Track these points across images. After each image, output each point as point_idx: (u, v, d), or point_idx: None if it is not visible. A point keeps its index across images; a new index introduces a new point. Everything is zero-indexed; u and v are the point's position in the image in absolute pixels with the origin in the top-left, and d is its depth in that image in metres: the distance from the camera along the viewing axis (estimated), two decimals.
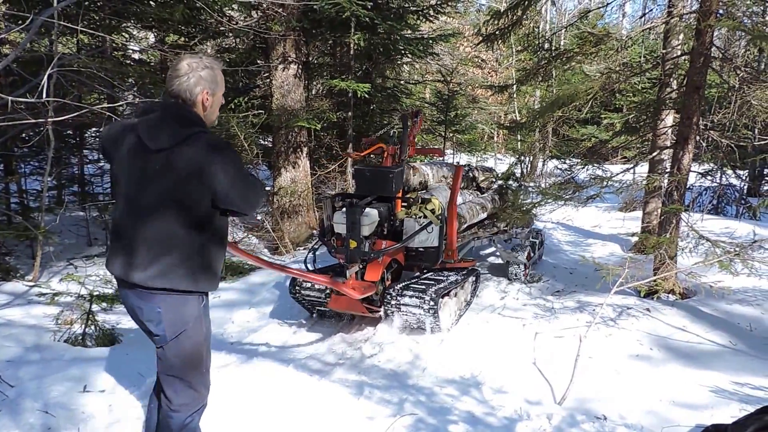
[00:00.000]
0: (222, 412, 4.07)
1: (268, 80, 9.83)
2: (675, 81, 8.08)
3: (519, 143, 17.66)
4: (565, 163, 9.60)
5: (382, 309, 5.57)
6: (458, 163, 7.70)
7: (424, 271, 6.18)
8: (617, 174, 7.41)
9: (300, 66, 9.28)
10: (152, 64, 10.96)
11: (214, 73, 2.97)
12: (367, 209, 5.41)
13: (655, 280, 6.24)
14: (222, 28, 9.41)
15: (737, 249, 5.82)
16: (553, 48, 8.10)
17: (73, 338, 4.98)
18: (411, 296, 5.36)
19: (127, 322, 5.74)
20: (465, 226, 6.83)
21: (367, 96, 9.21)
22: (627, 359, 5.02)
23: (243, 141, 8.32)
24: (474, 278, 6.61)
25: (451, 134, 13.58)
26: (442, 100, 12.82)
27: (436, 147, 7.62)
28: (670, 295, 6.58)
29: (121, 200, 2.90)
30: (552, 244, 9.33)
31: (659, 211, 7.25)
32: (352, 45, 9.10)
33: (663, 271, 6.32)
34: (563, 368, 4.70)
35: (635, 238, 8.84)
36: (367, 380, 4.70)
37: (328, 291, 5.61)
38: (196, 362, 3.02)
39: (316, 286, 5.63)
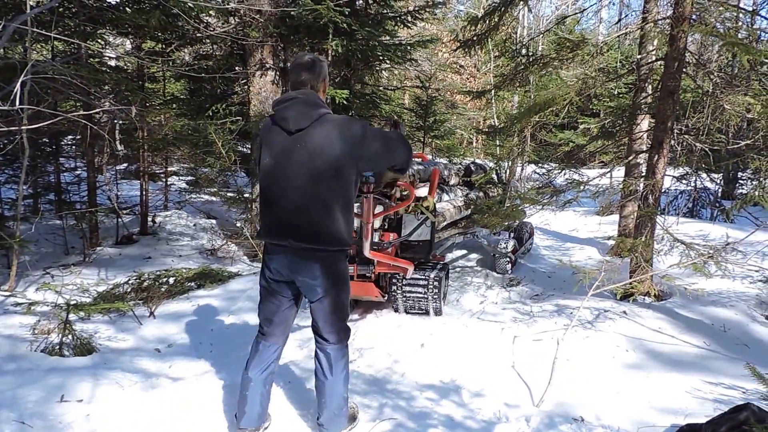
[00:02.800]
0: (203, 419, 4.07)
1: (245, 87, 9.82)
2: (650, 86, 8.17)
3: (497, 148, 17.72)
4: (543, 167, 9.67)
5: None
6: (437, 164, 7.87)
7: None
8: (594, 178, 7.47)
9: (278, 72, 9.28)
10: (129, 70, 10.93)
11: (325, 65, 3.67)
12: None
13: (631, 283, 6.29)
14: (199, 35, 9.39)
15: (711, 251, 5.90)
16: (531, 53, 8.17)
17: (50, 348, 4.95)
18: (415, 280, 6.08)
19: (104, 331, 5.72)
20: (444, 224, 7.24)
21: (345, 102, 9.19)
22: (604, 361, 5.07)
23: (221, 148, 8.31)
24: (442, 269, 6.71)
25: (430, 139, 13.60)
26: (421, 105, 12.84)
27: (420, 154, 7.76)
28: (646, 298, 6.64)
29: None
30: (515, 267, 9.40)
31: (635, 214, 7.32)
32: (330, 51, 9.10)
33: (639, 273, 6.38)
34: (541, 371, 4.74)
35: (612, 242, 8.90)
36: None
37: None
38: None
39: None
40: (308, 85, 3.55)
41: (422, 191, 6.71)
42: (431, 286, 6.07)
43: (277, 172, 3.50)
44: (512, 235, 8.51)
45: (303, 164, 3.42)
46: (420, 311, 6.29)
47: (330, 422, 3.80)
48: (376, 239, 5.97)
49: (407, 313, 6.33)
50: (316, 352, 3.82)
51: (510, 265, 8.08)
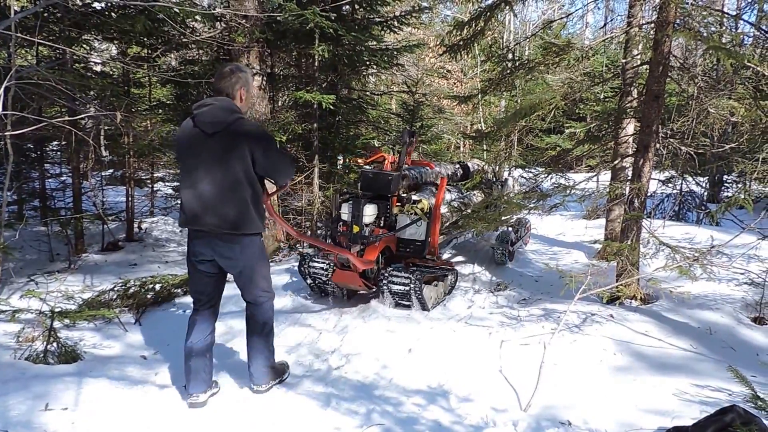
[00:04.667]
0: (189, 427, 4.05)
1: None
2: (635, 90, 8.21)
3: (484, 153, 17.75)
4: (529, 171, 9.70)
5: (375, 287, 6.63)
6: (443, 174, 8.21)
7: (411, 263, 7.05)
8: (580, 182, 7.49)
9: (264, 78, 9.26)
10: (114, 76, 10.89)
11: (247, 75, 4.29)
12: (368, 203, 6.49)
13: (617, 287, 6.32)
14: (185, 40, 9.36)
15: (697, 254, 5.92)
16: (517, 58, 8.18)
17: (35, 356, 4.92)
18: (400, 275, 6.36)
19: (90, 338, 5.69)
20: (447, 224, 7.71)
21: (332, 107, 9.19)
22: (591, 365, 5.08)
23: None
24: (453, 276, 7.33)
25: (417, 144, 13.61)
26: (408, 110, 12.81)
27: (426, 160, 8.01)
28: (632, 301, 6.67)
29: None
30: (517, 252, 9.41)
31: (621, 218, 7.35)
32: (316, 56, 9.09)
33: (625, 277, 6.40)
34: (529, 375, 4.74)
35: (598, 246, 8.93)
36: (334, 392, 4.71)
37: (331, 267, 6.60)
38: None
39: (322, 264, 6.69)
40: (224, 92, 4.18)
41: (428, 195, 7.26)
42: (413, 284, 6.29)
43: (197, 168, 4.06)
44: (509, 229, 8.96)
45: (218, 162, 4.01)
46: (404, 305, 6.60)
47: (258, 374, 4.52)
48: (366, 233, 6.43)
49: (396, 305, 6.63)
50: (245, 312, 4.55)
51: (509, 256, 8.65)
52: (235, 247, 4.16)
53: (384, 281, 6.44)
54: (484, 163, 10.07)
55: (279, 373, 4.74)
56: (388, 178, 6.73)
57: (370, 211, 6.47)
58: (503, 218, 7.65)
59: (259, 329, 4.51)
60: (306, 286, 7.24)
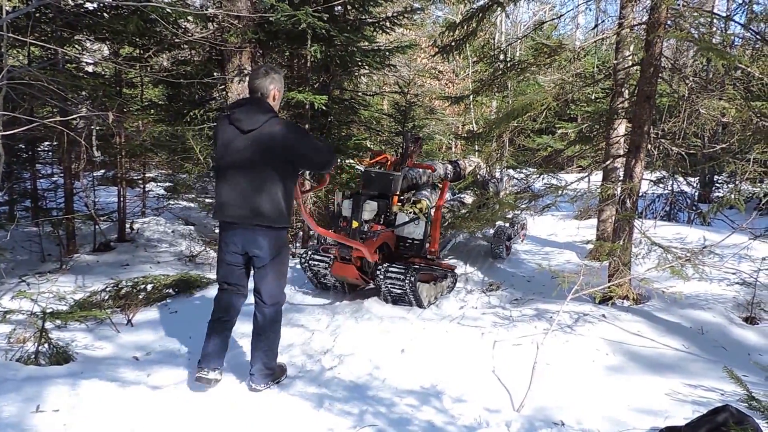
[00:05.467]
0: (182, 428, 4.03)
1: (224, 92, 9.75)
2: (627, 91, 8.22)
3: (476, 153, 17.75)
4: (521, 172, 9.71)
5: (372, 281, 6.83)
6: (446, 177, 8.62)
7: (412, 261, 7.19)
8: (572, 183, 7.50)
9: None
10: (106, 76, 10.84)
11: (281, 75, 4.51)
12: (369, 200, 6.76)
13: (609, 287, 6.32)
14: (177, 40, 9.32)
15: (688, 255, 5.94)
16: (508, 59, 8.20)
17: (26, 357, 4.87)
18: (395, 270, 6.50)
19: (81, 339, 5.65)
20: (445, 224, 8.01)
21: (324, 108, 9.16)
22: (584, 365, 5.09)
23: (199, 154, 8.23)
24: (452, 278, 7.54)
25: (419, 150, 13.55)
26: (400, 111, 12.79)
27: (428, 164, 8.09)
28: (624, 301, 6.68)
29: None
30: (511, 250, 9.42)
31: (613, 218, 7.36)
32: (308, 57, 9.07)
33: (617, 277, 6.41)
34: (522, 376, 4.74)
35: (590, 246, 8.95)
36: (327, 392, 4.69)
37: (331, 261, 6.86)
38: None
39: (322, 259, 6.96)
40: (259, 92, 4.40)
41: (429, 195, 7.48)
42: (408, 279, 6.43)
43: (232, 164, 4.32)
44: (507, 225, 9.22)
45: (252, 158, 4.25)
46: (401, 301, 6.77)
47: (259, 374, 4.59)
48: (365, 229, 6.68)
49: (393, 303, 6.78)
50: (254, 312, 4.66)
51: (507, 250, 9.05)
52: (264, 239, 4.39)
53: (380, 276, 6.56)
54: (479, 160, 10.11)
55: (278, 374, 4.83)
56: (389, 178, 6.99)
57: (369, 208, 6.71)
58: (496, 218, 7.67)
59: (268, 329, 4.64)
60: (302, 285, 7.43)
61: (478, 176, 9.74)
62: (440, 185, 8.14)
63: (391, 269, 6.57)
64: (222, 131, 4.40)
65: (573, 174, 16.42)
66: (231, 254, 4.53)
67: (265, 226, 4.35)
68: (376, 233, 6.71)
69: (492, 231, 9.18)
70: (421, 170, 7.89)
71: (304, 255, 7.16)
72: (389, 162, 7.64)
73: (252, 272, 4.67)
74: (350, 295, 7.18)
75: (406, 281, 6.45)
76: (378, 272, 6.61)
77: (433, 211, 7.38)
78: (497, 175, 11.06)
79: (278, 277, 4.59)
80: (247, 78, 4.81)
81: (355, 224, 6.56)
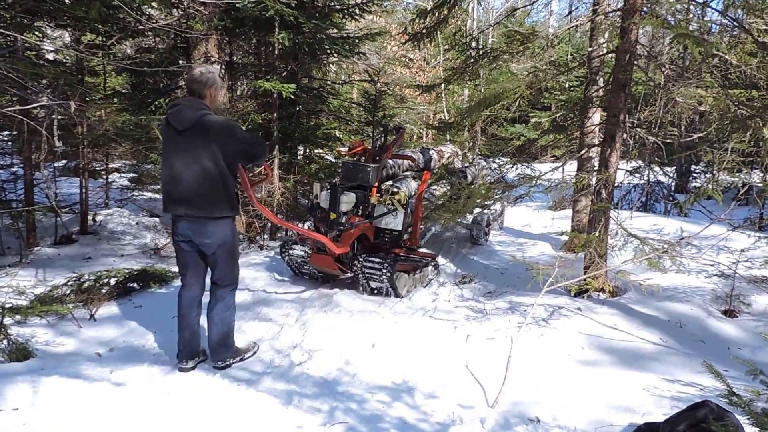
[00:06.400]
0: (146, 427, 3.94)
1: None
2: (601, 79, 8.19)
3: (448, 143, 17.75)
4: (494, 162, 9.66)
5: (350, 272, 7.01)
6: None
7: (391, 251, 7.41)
8: (546, 173, 7.46)
9: (223, 66, 9.11)
10: (68, 64, 10.62)
11: (215, 75, 4.79)
12: (347, 192, 6.89)
13: (585, 279, 6.30)
14: (141, 27, 9.14)
15: (665, 246, 5.92)
16: (480, 47, 8.14)
17: None
18: (372, 260, 6.72)
19: (42, 335, 5.52)
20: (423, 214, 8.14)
21: (292, 97, 9.08)
22: (560, 360, 5.05)
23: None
24: (432, 266, 7.76)
25: (379, 135, 13.46)
26: (370, 100, 12.70)
27: (408, 154, 8.08)
28: (600, 294, 6.66)
29: None
30: (483, 246, 9.38)
31: (588, 209, 7.33)
32: (276, 44, 8.95)
33: (593, 269, 6.38)
34: (496, 371, 4.69)
35: (565, 237, 8.93)
36: (296, 389, 4.62)
37: (309, 252, 7.07)
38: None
39: (301, 250, 7.22)
40: (195, 93, 4.70)
41: (408, 185, 7.68)
42: (386, 270, 6.61)
43: (172, 161, 4.61)
44: (485, 212, 9.40)
45: (189, 154, 4.55)
46: (378, 292, 6.92)
47: (216, 350, 4.93)
48: (343, 220, 6.74)
49: (371, 294, 6.96)
50: (210, 293, 5.01)
51: (485, 236, 9.35)
52: (208, 229, 4.68)
53: (358, 267, 6.77)
54: (455, 149, 10.09)
55: (241, 352, 5.18)
56: (367, 170, 7.05)
57: (347, 200, 6.82)
58: (469, 209, 7.62)
59: (221, 309, 4.95)
60: (276, 272, 7.70)
61: (453, 165, 9.74)
62: (419, 175, 8.35)
63: (369, 260, 6.74)
64: (162, 131, 4.76)
65: (547, 164, 16.43)
66: (184, 244, 4.83)
67: (208, 217, 4.65)
68: (354, 224, 6.81)
69: (471, 216, 9.34)
70: (400, 161, 7.99)
71: (283, 246, 7.39)
72: (368, 153, 7.67)
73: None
74: (328, 285, 7.32)
75: (383, 272, 6.61)
76: (356, 263, 6.79)
77: (413, 200, 7.71)
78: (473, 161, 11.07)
79: (228, 263, 4.90)
80: (186, 79, 5.00)
81: (332, 216, 6.62)
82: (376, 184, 7.18)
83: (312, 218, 7.14)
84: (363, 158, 7.59)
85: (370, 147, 7.96)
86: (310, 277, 7.50)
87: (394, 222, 7.21)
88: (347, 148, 7.89)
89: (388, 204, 7.12)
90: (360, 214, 7.17)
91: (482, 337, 5.54)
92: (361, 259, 6.78)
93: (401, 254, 7.31)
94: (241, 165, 4.98)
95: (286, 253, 7.38)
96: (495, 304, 6.50)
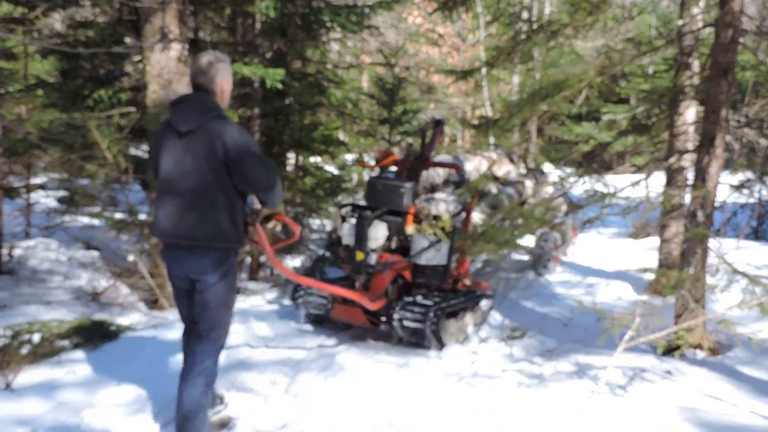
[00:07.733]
0: None
1: (140, 66, 9.73)
2: (696, 62, 8.26)
3: (492, 147, 17.82)
4: (553, 173, 9.73)
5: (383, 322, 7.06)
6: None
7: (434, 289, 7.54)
8: (624, 188, 7.52)
9: (186, 45, 9.20)
10: None
11: (227, 64, 4.86)
12: (377, 222, 6.97)
13: (676, 332, 6.34)
14: None
15: None
16: (535, 18, 8.25)
17: None
18: (413, 313, 6.76)
19: None
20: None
21: (280, 86, 9.08)
22: None
23: (106, 151, 8.19)
24: (487, 302, 8.00)
25: (398, 137, 13.39)
26: (385, 90, 12.62)
27: (452, 162, 8.21)
28: (697, 351, 6.69)
29: None
30: (539, 286, 9.44)
31: (681, 237, 7.38)
32: (258, 16, 9.06)
33: (687, 318, 6.42)
34: None
35: (650, 276, 8.97)
36: None
37: (332, 299, 7.21)
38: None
39: (320, 294, 7.30)
40: (201, 88, 4.72)
41: (441, 207, 7.84)
42: (429, 319, 6.69)
43: (168, 173, 4.64)
44: (550, 234, 9.60)
45: (189, 165, 4.54)
46: (418, 344, 7.05)
47: (184, 423, 4.73)
48: (373, 260, 6.86)
49: (398, 341, 7.19)
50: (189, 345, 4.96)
51: (553, 263, 9.47)
52: (203, 261, 4.63)
53: (396, 317, 6.85)
54: (510, 166, 10.22)
55: (217, 426, 5.26)
56: (400, 191, 7.12)
57: (377, 234, 6.95)
58: (519, 237, 7.70)
59: (197, 374, 4.79)
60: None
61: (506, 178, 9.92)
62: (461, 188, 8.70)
63: (408, 308, 6.84)
64: (160, 134, 4.77)
65: (625, 176, 16.49)
66: (175, 279, 4.86)
67: (205, 246, 4.60)
68: (386, 266, 6.89)
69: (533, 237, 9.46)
70: (441, 170, 8.16)
71: (296, 291, 7.55)
72: (402, 165, 7.78)
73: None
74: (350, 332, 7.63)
75: (428, 323, 6.69)
76: (392, 312, 6.86)
77: (459, 224, 7.77)
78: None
79: (221, 308, 4.81)
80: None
81: (359, 256, 6.70)
82: (413, 207, 7.26)
83: (334, 257, 7.27)
84: (395, 172, 7.72)
85: (401, 156, 7.98)
86: (333, 326, 7.68)
87: (438, 256, 7.18)
88: (374, 160, 7.94)
89: (430, 234, 7.14)
90: (393, 248, 7.26)
91: (538, 411, 5.58)
92: (397, 307, 6.85)
93: (451, 294, 7.38)
94: (259, 224, 5.05)
95: (301, 302, 7.46)
96: (556, 367, 6.54)
